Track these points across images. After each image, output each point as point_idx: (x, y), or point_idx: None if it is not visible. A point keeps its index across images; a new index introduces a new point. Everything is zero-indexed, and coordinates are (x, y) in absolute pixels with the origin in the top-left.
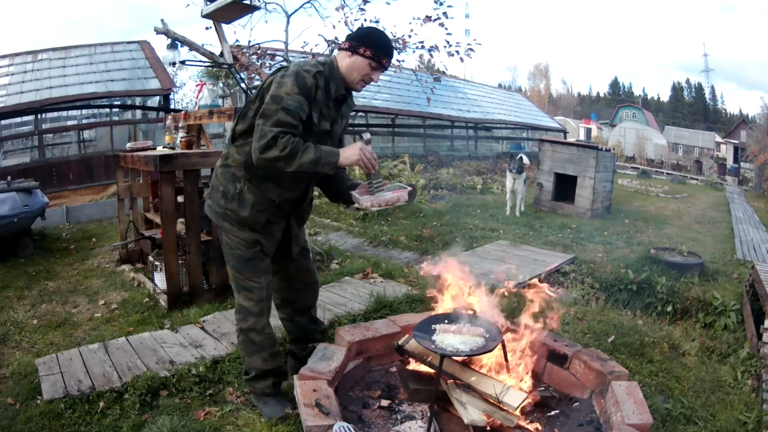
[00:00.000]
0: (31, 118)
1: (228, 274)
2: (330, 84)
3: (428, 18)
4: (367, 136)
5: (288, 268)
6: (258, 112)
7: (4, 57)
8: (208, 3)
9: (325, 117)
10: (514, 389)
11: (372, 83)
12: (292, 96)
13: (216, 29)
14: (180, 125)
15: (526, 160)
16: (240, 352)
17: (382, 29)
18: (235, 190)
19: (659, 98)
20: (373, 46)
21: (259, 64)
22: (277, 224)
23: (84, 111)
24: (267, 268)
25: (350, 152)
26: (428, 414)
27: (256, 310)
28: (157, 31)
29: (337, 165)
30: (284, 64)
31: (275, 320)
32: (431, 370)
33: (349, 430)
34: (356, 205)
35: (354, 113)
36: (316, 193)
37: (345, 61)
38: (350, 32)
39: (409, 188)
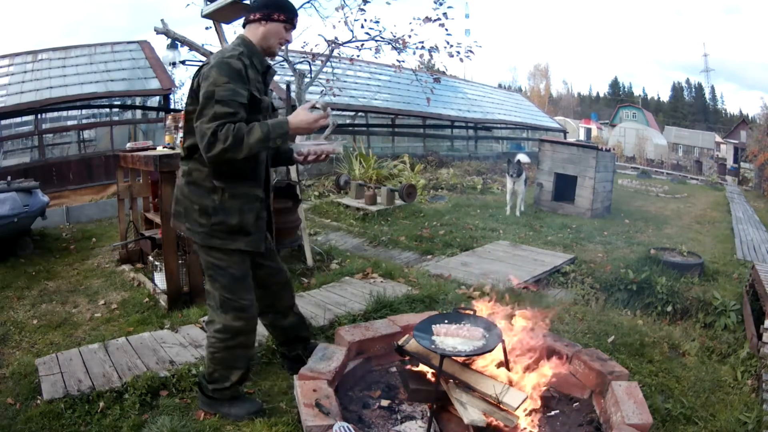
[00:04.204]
0: (31, 118)
1: None
2: (254, 59)
3: (428, 18)
4: (320, 103)
5: (259, 275)
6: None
7: (4, 57)
8: (208, 3)
9: (260, 92)
10: (514, 389)
11: (372, 83)
12: (222, 87)
13: (216, 29)
14: (180, 125)
15: (525, 158)
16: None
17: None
18: (214, 203)
19: (659, 98)
20: (285, 9)
21: None
22: (263, 218)
23: (84, 111)
24: (252, 284)
25: (302, 117)
26: (428, 414)
27: (248, 327)
28: (157, 31)
29: (288, 134)
30: (284, 65)
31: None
32: (431, 370)
33: (349, 430)
34: (295, 155)
35: (354, 113)
36: (316, 192)
37: (258, 31)
38: (254, 2)
39: (341, 145)
